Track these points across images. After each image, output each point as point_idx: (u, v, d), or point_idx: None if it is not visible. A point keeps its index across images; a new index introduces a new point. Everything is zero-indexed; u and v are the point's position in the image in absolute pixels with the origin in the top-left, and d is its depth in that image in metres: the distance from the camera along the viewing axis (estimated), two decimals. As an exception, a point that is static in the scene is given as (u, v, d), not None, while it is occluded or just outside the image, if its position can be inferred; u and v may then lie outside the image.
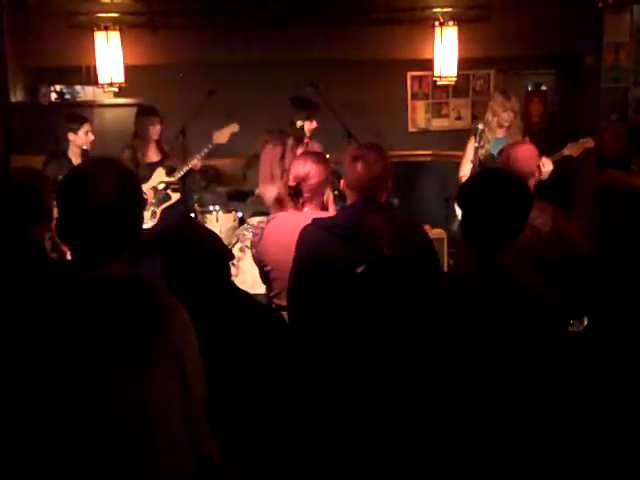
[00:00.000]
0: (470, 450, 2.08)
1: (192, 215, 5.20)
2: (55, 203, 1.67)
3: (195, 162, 5.04)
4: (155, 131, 5.09)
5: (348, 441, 2.43)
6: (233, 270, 4.31)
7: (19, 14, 6.10)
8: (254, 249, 3.10)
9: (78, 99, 6.65)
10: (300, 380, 2.37)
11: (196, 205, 5.34)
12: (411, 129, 7.00)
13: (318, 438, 2.41)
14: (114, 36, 5.85)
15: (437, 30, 6.23)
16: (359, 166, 2.61)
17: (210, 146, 5.02)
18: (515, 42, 6.47)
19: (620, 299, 2.03)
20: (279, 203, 3.14)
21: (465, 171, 4.83)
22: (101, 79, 5.88)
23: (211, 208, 5.21)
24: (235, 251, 4.55)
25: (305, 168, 3.00)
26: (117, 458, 1.56)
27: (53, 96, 6.59)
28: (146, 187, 4.99)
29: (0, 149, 5.84)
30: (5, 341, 1.59)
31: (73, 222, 1.61)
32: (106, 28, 5.82)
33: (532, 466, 2.06)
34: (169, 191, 5.13)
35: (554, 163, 4.01)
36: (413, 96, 6.96)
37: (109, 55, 5.83)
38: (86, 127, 4.81)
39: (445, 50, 6.19)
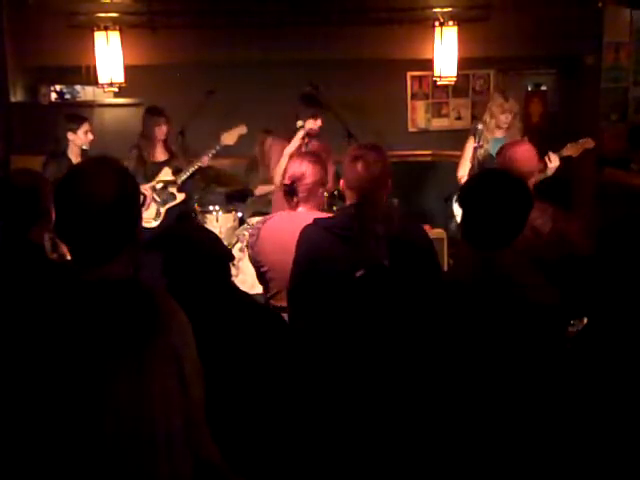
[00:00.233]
0: (471, 450, 2.08)
1: (192, 215, 5.20)
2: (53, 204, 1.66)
3: (202, 162, 5.05)
4: (161, 131, 5.10)
5: (348, 442, 2.43)
6: (233, 270, 4.30)
7: (19, 14, 6.10)
8: (250, 249, 3.09)
9: (78, 99, 6.65)
10: (300, 381, 2.37)
11: (196, 205, 5.34)
12: (411, 129, 7.00)
13: (318, 439, 2.41)
14: (114, 36, 5.85)
15: (437, 30, 6.23)
16: (359, 166, 2.61)
17: (218, 147, 5.04)
18: (515, 42, 6.47)
19: (620, 299, 2.03)
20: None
21: (463, 172, 4.82)
22: (101, 79, 5.88)
23: (211, 208, 5.21)
24: (235, 251, 4.55)
25: (301, 168, 3.00)
26: (116, 459, 1.56)
27: (53, 96, 6.58)
28: (149, 185, 5.00)
29: (0, 149, 5.84)
30: (5, 342, 1.59)
31: (71, 222, 1.61)
32: (106, 28, 5.82)
33: (532, 465, 2.06)
34: (174, 191, 5.13)
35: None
36: (413, 96, 6.96)
37: (109, 55, 5.83)
38: (85, 127, 4.81)
39: (445, 50, 6.19)
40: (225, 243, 2.61)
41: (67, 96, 6.65)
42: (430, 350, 2.15)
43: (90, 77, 6.07)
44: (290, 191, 3.01)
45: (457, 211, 4.88)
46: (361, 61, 6.44)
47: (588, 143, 4.47)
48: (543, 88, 7.17)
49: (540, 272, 2.26)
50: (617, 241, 2.04)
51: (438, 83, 6.47)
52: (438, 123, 6.98)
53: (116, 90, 5.99)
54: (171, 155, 5.19)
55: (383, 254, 2.49)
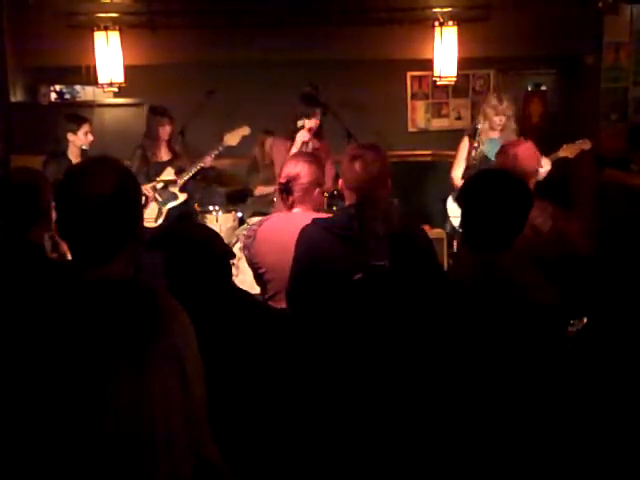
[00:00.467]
0: (471, 449, 2.08)
1: (193, 215, 5.20)
2: (54, 202, 1.67)
3: (204, 163, 5.05)
4: (164, 132, 5.10)
5: (348, 442, 2.43)
6: (233, 270, 4.30)
7: (19, 14, 6.10)
8: (247, 251, 3.07)
9: (78, 99, 6.65)
10: (300, 381, 2.37)
11: (196, 205, 5.34)
12: (411, 129, 7.00)
13: (318, 439, 2.41)
14: (114, 36, 5.86)
15: (437, 30, 6.24)
16: (357, 166, 2.61)
17: (220, 148, 5.03)
18: (515, 42, 6.47)
19: (620, 299, 2.03)
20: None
21: (457, 172, 4.81)
22: (101, 79, 5.89)
23: (211, 208, 5.21)
24: (235, 251, 4.55)
25: (296, 168, 3.00)
26: (116, 459, 1.56)
27: (53, 96, 6.58)
28: (150, 185, 5.00)
29: (0, 149, 5.84)
30: (5, 342, 1.59)
31: (71, 221, 1.60)
32: (106, 28, 5.83)
33: (532, 465, 2.06)
34: (176, 191, 5.13)
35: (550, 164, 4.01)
36: (413, 96, 6.96)
37: (109, 55, 5.84)
38: (85, 127, 4.81)
39: (445, 50, 6.20)
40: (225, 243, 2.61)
41: (67, 96, 6.65)
42: (430, 351, 2.15)
43: (90, 77, 6.08)
44: (285, 190, 3.00)
45: (451, 212, 4.87)
46: (361, 61, 6.44)
47: (585, 144, 4.46)
48: (543, 88, 7.16)
49: (540, 271, 2.25)
50: (617, 241, 2.04)
51: (438, 83, 6.48)
52: (438, 123, 6.98)
53: (116, 90, 6.00)
54: (174, 155, 5.18)
55: (383, 254, 2.49)
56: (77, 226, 1.60)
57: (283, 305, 2.83)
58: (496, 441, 2.07)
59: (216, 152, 5.03)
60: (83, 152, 4.85)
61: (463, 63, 6.32)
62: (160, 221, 5.08)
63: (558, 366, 2.10)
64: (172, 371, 1.62)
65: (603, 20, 6.38)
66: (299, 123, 4.47)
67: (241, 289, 2.50)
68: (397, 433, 2.26)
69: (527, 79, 7.17)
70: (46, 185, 2.67)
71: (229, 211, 5.27)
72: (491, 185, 2.20)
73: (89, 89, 6.55)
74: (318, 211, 3.13)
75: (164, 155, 5.17)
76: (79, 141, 4.79)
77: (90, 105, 6.44)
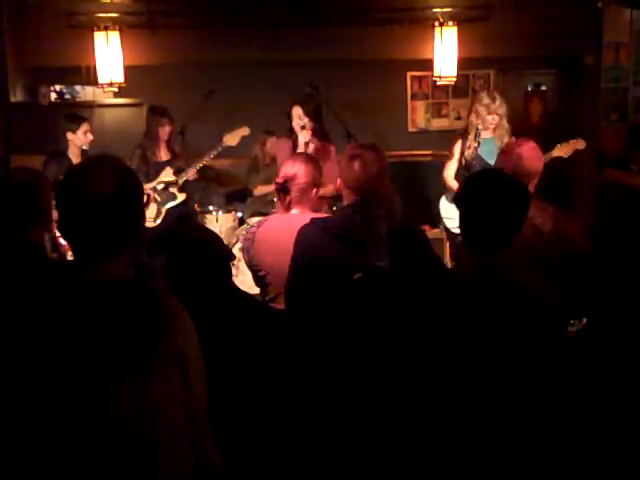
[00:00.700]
0: (471, 450, 2.08)
1: (193, 215, 5.21)
2: (55, 202, 1.66)
3: (203, 163, 5.05)
4: (164, 132, 5.10)
5: (348, 442, 2.43)
6: (233, 270, 4.30)
7: (19, 14, 6.10)
8: (246, 254, 3.07)
9: (78, 99, 6.65)
10: (300, 381, 2.37)
11: (196, 205, 5.35)
12: (411, 129, 7.00)
13: (318, 439, 2.41)
14: (114, 36, 5.86)
15: (437, 30, 6.24)
16: (356, 166, 2.62)
17: (220, 148, 5.03)
18: (515, 42, 6.47)
19: (619, 298, 2.03)
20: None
21: (450, 172, 4.77)
22: (101, 79, 5.89)
23: (211, 208, 5.21)
24: (235, 251, 4.55)
25: (293, 168, 3.01)
26: (117, 458, 1.56)
27: (53, 96, 6.59)
28: (150, 186, 5.00)
29: (0, 149, 5.84)
30: (6, 342, 1.59)
31: (73, 220, 1.60)
32: (106, 28, 5.83)
33: (533, 465, 2.06)
34: (175, 191, 5.13)
35: (544, 164, 3.98)
36: (413, 96, 6.96)
37: (109, 55, 5.84)
38: (85, 127, 4.81)
39: (445, 50, 6.20)
40: (225, 243, 2.60)
41: (67, 96, 6.65)
42: (430, 350, 2.15)
43: (90, 77, 6.08)
44: (283, 189, 3.01)
45: (444, 213, 4.85)
46: (361, 61, 6.44)
47: (579, 144, 4.42)
48: (543, 88, 7.17)
49: (540, 271, 2.26)
50: (615, 240, 2.04)
51: (438, 83, 6.48)
52: (438, 123, 6.98)
53: (116, 90, 6.00)
54: (173, 155, 5.18)
55: (384, 254, 2.49)
56: (78, 225, 1.60)
57: (284, 306, 2.83)
58: (496, 440, 2.07)
59: (215, 152, 5.03)
60: (83, 152, 4.85)
61: (463, 63, 6.32)
62: (159, 221, 5.08)
63: (558, 365, 2.10)
64: (173, 371, 1.62)
65: (603, 20, 6.38)
66: (300, 123, 4.46)
67: (241, 290, 2.50)
68: (397, 432, 2.26)
69: (527, 79, 7.18)
70: (46, 185, 2.67)
71: (229, 211, 5.27)
72: (489, 185, 2.20)
73: (89, 89, 6.55)
74: (316, 211, 3.13)
75: (163, 155, 5.17)
76: (79, 141, 4.79)
77: (90, 105, 6.44)
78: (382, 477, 2.35)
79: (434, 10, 6.33)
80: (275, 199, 5.03)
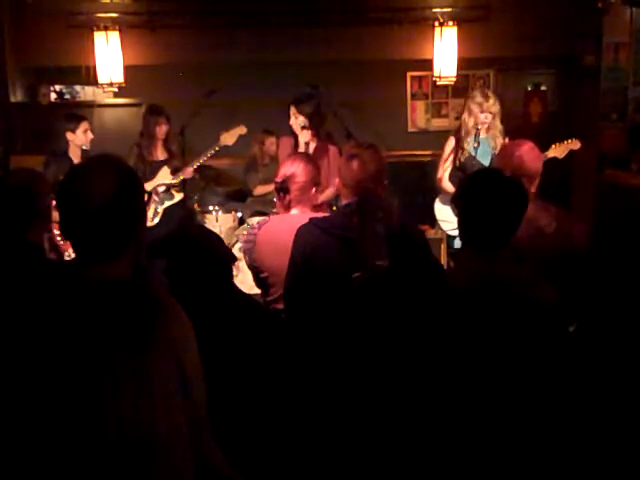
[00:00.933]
0: (471, 450, 2.08)
1: (193, 215, 5.21)
2: (56, 202, 1.66)
3: (200, 162, 5.05)
4: (161, 131, 5.10)
5: (348, 442, 2.43)
6: (233, 271, 4.30)
7: (19, 14, 6.10)
8: (247, 256, 3.07)
9: (78, 99, 6.65)
10: (300, 382, 2.37)
11: (196, 205, 5.35)
12: (411, 129, 6.99)
13: (317, 439, 2.41)
14: (113, 36, 5.85)
15: (437, 30, 6.23)
16: (354, 165, 2.63)
17: (217, 147, 5.03)
18: (515, 42, 6.47)
19: (617, 296, 2.03)
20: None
21: (444, 173, 4.70)
22: (101, 79, 5.88)
23: (211, 208, 5.21)
24: (235, 251, 4.55)
25: (292, 167, 3.02)
26: (117, 459, 1.56)
27: (53, 96, 6.58)
28: (149, 185, 5.00)
29: (0, 149, 5.85)
30: (6, 342, 1.59)
31: (74, 220, 1.61)
32: (105, 28, 5.83)
33: (533, 466, 2.06)
34: (173, 190, 5.14)
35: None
36: (413, 96, 6.95)
37: (109, 55, 5.83)
38: (84, 126, 4.78)
39: (445, 50, 6.19)
40: (225, 243, 2.61)
41: (67, 96, 6.65)
42: (429, 351, 2.15)
43: (90, 77, 6.07)
44: (282, 189, 3.01)
45: (439, 216, 4.82)
46: (361, 61, 6.44)
47: (573, 144, 4.39)
48: (543, 88, 7.16)
49: (540, 272, 2.26)
50: (614, 240, 2.04)
51: (438, 83, 6.47)
52: (438, 123, 6.97)
53: (116, 90, 5.99)
54: (170, 155, 5.18)
55: (382, 254, 2.49)
56: (80, 226, 1.60)
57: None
58: (496, 440, 2.07)
59: (212, 152, 5.03)
60: (84, 152, 4.84)
61: (463, 63, 6.32)
62: (156, 220, 5.08)
63: (559, 366, 2.10)
64: (172, 372, 1.62)
65: (603, 20, 6.37)
66: (291, 121, 4.47)
67: (241, 291, 2.50)
68: (396, 432, 2.26)
69: (527, 79, 7.17)
70: (44, 186, 2.67)
71: (229, 211, 5.27)
72: (487, 185, 2.20)
73: (89, 89, 6.55)
74: (316, 211, 3.13)
75: (160, 154, 5.16)
76: (79, 140, 4.77)
77: (90, 105, 6.44)
78: (382, 477, 2.36)
79: (434, 10, 6.32)
80: (275, 199, 5.05)
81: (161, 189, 5.08)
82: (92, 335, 1.56)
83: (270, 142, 5.77)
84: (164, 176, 5.07)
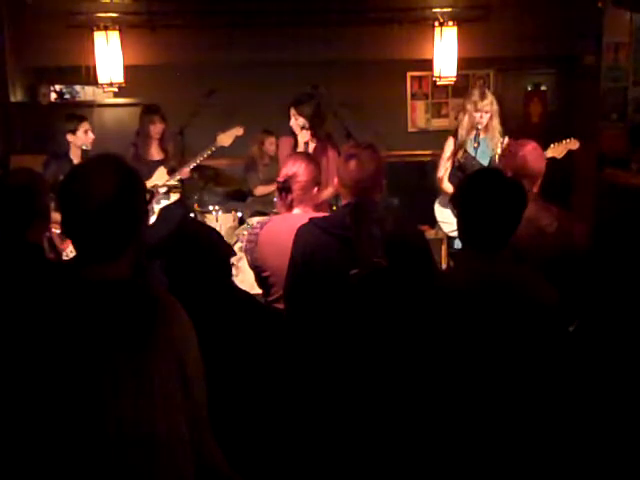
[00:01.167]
0: (471, 448, 2.08)
1: (192, 215, 5.20)
2: (56, 202, 1.66)
3: (196, 163, 5.03)
4: (155, 129, 5.07)
5: (348, 442, 2.43)
6: (233, 270, 4.30)
7: (19, 14, 6.10)
8: (249, 255, 3.07)
9: (78, 99, 6.65)
10: (300, 381, 2.37)
11: (196, 205, 5.34)
12: (411, 129, 7.00)
13: (318, 439, 2.41)
14: (113, 36, 5.85)
15: (437, 30, 6.23)
16: (352, 165, 2.63)
17: (213, 148, 5.02)
18: (515, 42, 6.47)
19: (616, 296, 2.03)
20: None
21: (444, 173, 4.68)
22: (101, 79, 5.88)
23: (211, 208, 5.20)
24: (234, 251, 4.55)
25: (294, 167, 3.02)
26: (118, 459, 1.55)
27: (53, 96, 6.58)
28: (152, 185, 4.99)
29: (0, 149, 5.85)
30: (6, 342, 1.58)
31: (75, 220, 1.60)
32: (105, 28, 5.82)
33: (534, 465, 2.06)
34: (166, 191, 5.12)
35: None
36: (413, 96, 6.96)
37: (108, 55, 5.83)
38: (84, 126, 4.76)
39: (445, 50, 6.19)
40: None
41: (67, 96, 6.65)
42: (429, 351, 2.15)
43: (90, 77, 6.07)
44: (284, 188, 3.01)
45: (440, 217, 4.82)
46: (361, 61, 6.44)
47: (572, 144, 4.38)
48: (543, 88, 7.17)
49: (540, 272, 2.26)
50: (613, 239, 2.05)
51: (438, 83, 6.47)
52: (438, 123, 6.98)
53: (116, 90, 5.99)
54: (166, 155, 5.16)
55: (378, 254, 2.49)
56: (81, 226, 1.60)
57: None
58: (497, 440, 2.07)
59: (209, 152, 5.01)
60: (84, 152, 4.83)
61: (463, 63, 6.32)
62: (152, 220, 5.06)
63: (559, 365, 2.10)
64: (172, 372, 1.62)
65: (603, 20, 6.37)
66: (300, 122, 4.46)
67: (241, 289, 2.50)
68: (397, 431, 2.26)
69: (527, 79, 7.17)
70: (43, 186, 2.67)
71: (229, 211, 5.26)
72: (486, 185, 2.20)
73: (89, 89, 6.55)
74: (318, 211, 3.13)
75: (155, 154, 5.14)
76: (80, 141, 4.76)
77: (90, 105, 6.44)
78: (381, 476, 2.35)
79: (434, 10, 6.33)
80: (275, 199, 5.05)
81: (163, 189, 5.07)
82: (92, 335, 1.56)
83: (270, 142, 5.77)
84: (160, 176, 5.05)
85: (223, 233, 4.85)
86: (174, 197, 5.15)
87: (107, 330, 1.57)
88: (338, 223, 2.63)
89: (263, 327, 2.34)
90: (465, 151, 4.53)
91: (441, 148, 4.73)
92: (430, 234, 4.88)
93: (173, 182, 5.07)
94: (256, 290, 3.30)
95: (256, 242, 3.02)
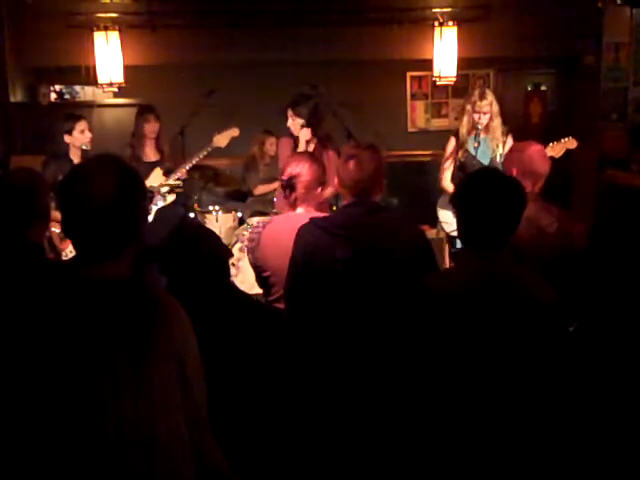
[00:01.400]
0: (471, 448, 2.08)
1: (191, 215, 5.20)
2: (56, 202, 1.66)
3: (192, 164, 5.02)
4: (150, 128, 5.04)
5: (348, 442, 2.43)
6: (233, 270, 4.30)
7: (19, 14, 6.10)
8: (251, 255, 3.07)
9: (78, 99, 6.65)
10: (299, 380, 2.37)
11: (196, 205, 5.34)
12: (410, 129, 7.00)
13: (318, 438, 2.41)
14: (113, 36, 5.85)
15: (437, 30, 6.23)
16: (352, 165, 2.62)
17: (209, 149, 5.00)
18: (515, 42, 6.47)
19: (616, 296, 2.03)
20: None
21: (446, 174, 4.67)
22: (101, 79, 5.88)
23: (211, 208, 5.20)
24: (235, 251, 4.55)
25: (298, 166, 3.02)
26: (117, 460, 1.55)
27: (53, 96, 6.58)
28: (152, 185, 4.98)
29: (0, 149, 5.84)
30: (6, 341, 1.58)
31: (75, 220, 1.60)
32: (105, 28, 5.82)
33: (534, 464, 2.06)
34: (165, 192, 5.11)
35: None
36: (412, 96, 6.96)
37: (108, 55, 5.83)
38: (80, 126, 4.69)
39: (445, 50, 6.19)
40: (225, 243, 2.61)
41: (67, 96, 6.65)
42: (430, 351, 2.15)
43: (90, 77, 6.07)
44: (288, 186, 3.02)
45: (442, 217, 4.82)
46: (361, 61, 6.44)
47: (570, 143, 4.38)
48: (543, 88, 7.17)
49: (540, 272, 2.26)
50: (612, 239, 2.05)
51: (438, 83, 6.47)
52: (438, 123, 6.98)
53: (116, 90, 5.99)
54: (162, 156, 5.13)
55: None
56: (81, 226, 1.60)
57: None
58: (495, 437, 2.07)
59: (205, 153, 5.00)
60: (84, 152, 4.82)
61: (463, 63, 6.32)
62: (149, 221, 5.06)
63: (559, 365, 2.10)
64: (172, 372, 1.62)
65: (603, 20, 6.37)
66: (299, 122, 4.46)
67: (239, 289, 2.50)
68: (397, 431, 2.26)
69: (527, 79, 7.18)
70: (43, 186, 2.67)
71: (229, 211, 5.26)
72: (485, 184, 2.20)
73: (89, 89, 6.55)
74: (321, 211, 3.14)
75: (151, 155, 5.12)
76: (77, 141, 4.72)
77: (90, 105, 6.44)
78: (381, 476, 2.36)
79: (434, 10, 6.33)
80: (275, 199, 5.05)
81: (164, 189, 5.06)
82: (92, 335, 1.56)
83: (270, 142, 5.77)
84: (156, 178, 5.04)
85: (223, 233, 4.88)
86: (170, 198, 5.13)
87: (107, 330, 1.57)
88: (339, 223, 2.63)
89: (262, 327, 2.34)
90: (465, 151, 4.53)
91: (441, 148, 4.73)
92: (431, 234, 4.88)
93: (175, 182, 5.06)
94: (256, 290, 3.30)
95: (258, 241, 3.02)
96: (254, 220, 4.79)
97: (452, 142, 4.63)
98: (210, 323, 2.11)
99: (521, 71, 7.10)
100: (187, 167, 5.01)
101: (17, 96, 6.38)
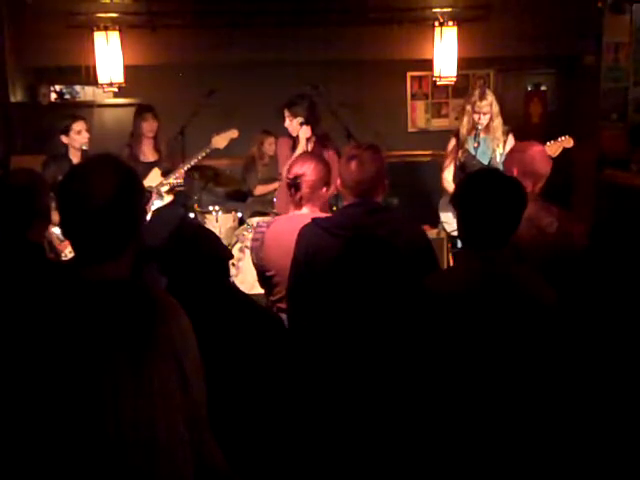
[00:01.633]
0: (471, 447, 2.08)
1: (191, 215, 5.20)
2: (55, 202, 1.66)
3: (190, 165, 5.01)
4: (148, 127, 5.03)
5: (349, 442, 2.43)
6: (233, 270, 4.31)
7: (19, 14, 6.10)
8: (254, 255, 3.08)
9: (78, 99, 6.65)
10: (299, 382, 2.37)
11: (196, 205, 5.34)
12: (411, 129, 7.00)
13: (318, 439, 2.40)
14: (113, 36, 5.85)
15: (437, 30, 6.23)
16: (353, 165, 2.62)
17: (208, 150, 5.00)
18: (515, 42, 6.47)
19: (616, 295, 2.03)
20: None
21: (447, 174, 4.69)
22: (101, 79, 5.88)
23: (211, 208, 5.20)
24: (235, 251, 4.55)
25: (303, 166, 3.03)
26: (116, 461, 1.55)
27: (53, 96, 6.58)
28: (154, 185, 4.98)
29: (0, 150, 5.84)
30: (6, 341, 1.58)
31: (75, 220, 1.61)
32: (105, 28, 5.82)
33: (534, 464, 2.06)
34: (163, 192, 5.11)
35: None
36: (413, 96, 6.96)
37: (109, 55, 5.83)
38: (78, 126, 4.66)
39: (445, 50, 6.19)
40: (225, 243, 2.61)
41: (67, 96, 6.64)
42: (431, 350, 2.15)
43: (90, 77, 6.07)
44: (294, 185, 3.02)
45: (443, 218, 4.82)
46: (361, 61, 6.44)
47: (567, 142, 4.38)
48: (543, 88, 7.17)
49: (540, 272, 2.26)
50: (612, 239, 2.05)
51: (438, 83, 6.47)
52: (438, 123, 6.98)
53: (116, 90, 5.99)
54: (160, 156, 5.13)
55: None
56: (80, 226, 1.60)
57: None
58: (496, 436, 2.07)
59: (203, 154, 5.00)
60: (84, 152, 4.81)
61: (463, 63, 6.32)
62: (147, 219, 5.06)
63: (558, 363, 2.10)
64: (172, 372, 1.62)
65: (603, 20, 6.37)
66: (298, 120, 4.47)
67: (239, 290, 2.50)
68: (397, 431, 2.26)
69: (527, 79, 7.18)
70: (43, 186, 2.67)
71: (229, 211, 5.27)
72: (485, 184, 2.20)
73: (89, 89, 6.54)
74: (325, 211, 3.14)
75: (150, 155, 5.11)
76: (75, 142, 4.70)
77: (90, 105, 6.44)
78: (382, 476, 2.35)
79: (434, 10, 6.33)
80: (275, 199, 5.05)
81: (164, 188, 5.06)
82: (92, 335, 1.56)
83: (269, 142, 5.77)
84: (154, 178, 5.03)
85: (223, 233, 4.88)
86: (167, 198, 5.13)
87: (106, 330, 1.57)
88: (340, 223, 2.63)
89: (261, 328, 2.34)
90: (465, 151, 4.54)
91: (441, 148, 4.74)
92: (432, 233, 4.88)
93: (175, 182, 5.06)
94: (256, 290, 3.30)
95: (262, 241, 3.02)
96: (254, 220, 4.80)
97: (452, 142, 4.64)
98: (210, 323, 2.10)
99: (521, 71, 7.10)
100: (185, 168, 5.01)
101: (17, 96, 6.38)
